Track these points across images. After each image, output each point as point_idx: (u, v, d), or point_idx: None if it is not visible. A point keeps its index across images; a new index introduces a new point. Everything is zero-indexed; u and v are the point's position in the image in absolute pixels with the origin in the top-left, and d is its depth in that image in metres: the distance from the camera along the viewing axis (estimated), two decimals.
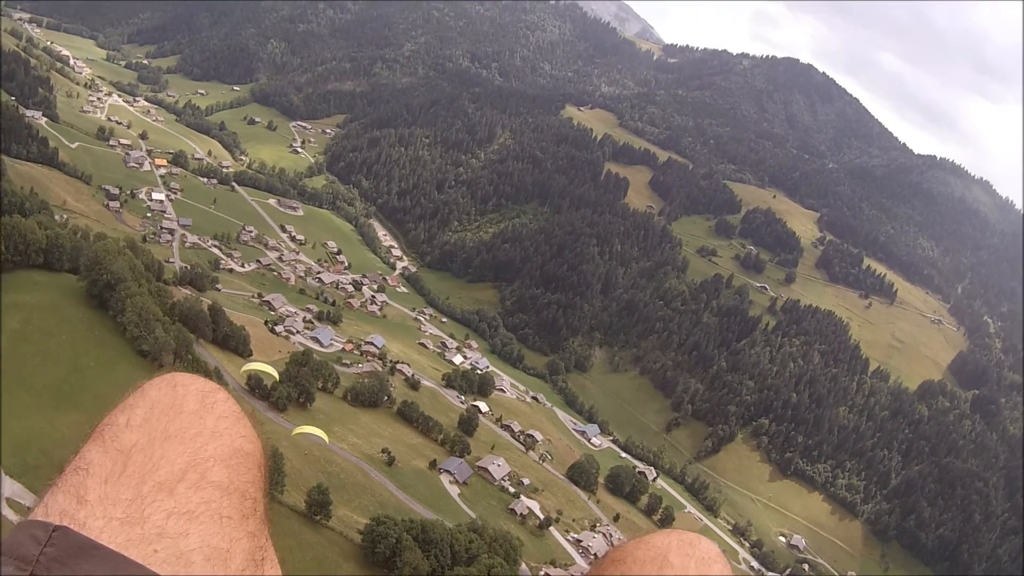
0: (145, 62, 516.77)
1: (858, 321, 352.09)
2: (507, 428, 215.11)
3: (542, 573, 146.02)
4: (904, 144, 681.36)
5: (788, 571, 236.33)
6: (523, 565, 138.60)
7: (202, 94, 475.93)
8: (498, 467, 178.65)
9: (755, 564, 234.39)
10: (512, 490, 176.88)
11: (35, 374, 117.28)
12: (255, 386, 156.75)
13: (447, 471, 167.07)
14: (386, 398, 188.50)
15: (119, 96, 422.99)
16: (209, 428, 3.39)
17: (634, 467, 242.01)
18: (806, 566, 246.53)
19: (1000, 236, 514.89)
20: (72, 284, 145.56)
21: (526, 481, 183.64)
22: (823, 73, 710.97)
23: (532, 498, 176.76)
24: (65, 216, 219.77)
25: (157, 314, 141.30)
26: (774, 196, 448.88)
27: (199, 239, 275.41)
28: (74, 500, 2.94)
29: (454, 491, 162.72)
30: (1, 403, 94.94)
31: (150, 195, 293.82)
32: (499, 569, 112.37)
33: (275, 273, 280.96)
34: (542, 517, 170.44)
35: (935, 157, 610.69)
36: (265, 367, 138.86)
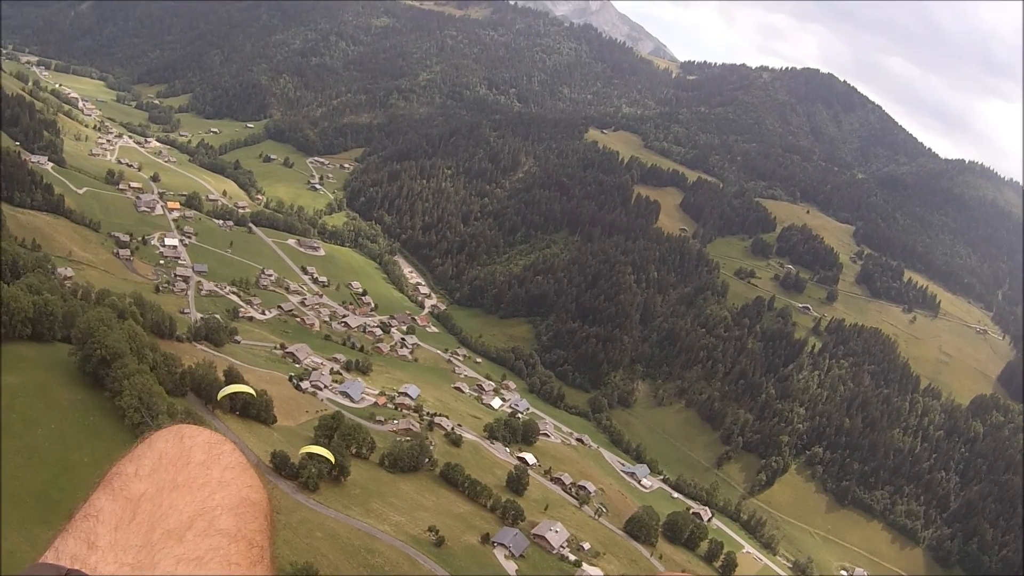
0: (156, 102, 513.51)
1: (904, 337, 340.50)
2: (557, 481, 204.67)
3: None
4: (930, 149, 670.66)
5: None
6: None
7: (215, 132, 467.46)
8: (555, 533, 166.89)
9: None
10: (572, 558, 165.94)
11: (17, 477, 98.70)
12: (281, 465, 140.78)
13: (501, 544, 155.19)
14: (427, 460, 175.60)
15: (129, 138, 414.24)
16: (216, 478, 3.51)
17: (688, 508, 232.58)
18: None
19: None
20: (64, 358, 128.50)
21: (586, 546, 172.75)
22: (844, 82, 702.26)
23: (594, 564, 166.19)
24: (69, 270, 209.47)
25: (161, 394, 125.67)
26: (807, 211, 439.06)
27: (216, 286, 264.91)
28: (84, 546, 3.05)
29: (511, 568, 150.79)
30: None
31: (163, 241, 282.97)
32: None
33: (298, 319, 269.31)
34: None
35: (964, 161, 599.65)
36: (241, 387, 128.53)
